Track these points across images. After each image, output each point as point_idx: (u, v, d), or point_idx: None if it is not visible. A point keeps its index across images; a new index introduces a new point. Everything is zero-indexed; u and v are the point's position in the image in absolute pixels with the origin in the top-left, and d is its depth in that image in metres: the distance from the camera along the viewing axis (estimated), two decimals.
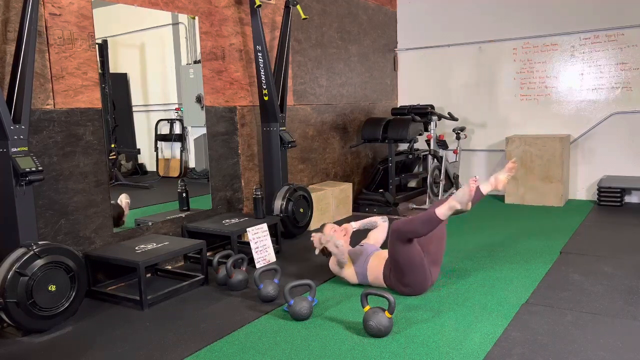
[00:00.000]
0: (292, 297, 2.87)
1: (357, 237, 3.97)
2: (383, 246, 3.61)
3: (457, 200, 2.95)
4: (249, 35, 4.52)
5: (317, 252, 3.49)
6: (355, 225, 3.65)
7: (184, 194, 4.10)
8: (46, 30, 3.08)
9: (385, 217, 3.71)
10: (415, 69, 6.71)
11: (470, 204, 2.98)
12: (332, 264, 3.40)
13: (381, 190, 5.86)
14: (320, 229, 3.60)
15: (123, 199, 3.68)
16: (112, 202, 3.52)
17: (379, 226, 3.67)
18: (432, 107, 6.00)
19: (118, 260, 3.18)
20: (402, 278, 3.09)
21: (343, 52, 5.77)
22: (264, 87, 4.33)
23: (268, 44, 4.64)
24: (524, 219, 5.01)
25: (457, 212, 2.99)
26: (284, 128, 4.50)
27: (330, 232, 3.49)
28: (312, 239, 3.53)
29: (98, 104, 3.39)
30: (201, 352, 2.53)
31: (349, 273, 3.34)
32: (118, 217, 3.59)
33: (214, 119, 4.23)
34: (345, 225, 3.62)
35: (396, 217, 5.29)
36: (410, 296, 3.13)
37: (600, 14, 5.52)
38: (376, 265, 3.25)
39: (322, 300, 3.14)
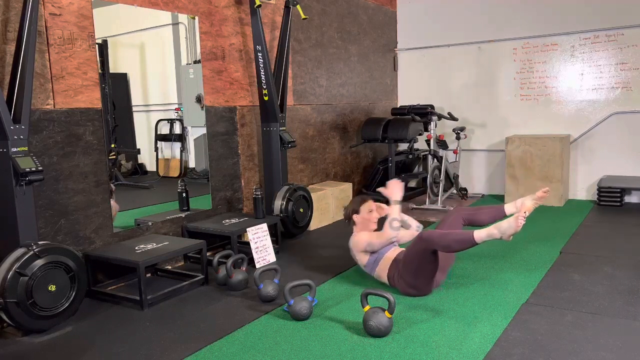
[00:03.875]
0: (292, 297, 2.87)
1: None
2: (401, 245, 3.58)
3: (500, 230, 2.92)
4: (249, 35, 4.52)
5: (355, 217, 3.42)
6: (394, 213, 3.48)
7: (184, 194, 4.10)
8: (46, 30, 3.08)
9: (421, 226, 3.57)
10: (415, 69, 6.71)
11: (512, 237, 2.96)
12: (357, 240, 3.31)
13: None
14: (361, 201, 3.44)
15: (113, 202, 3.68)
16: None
17: (411, 230, 3.55)
18: (432, 107, 6.00)
19: (118, 260, 3.18)
20: (411, 280, 3.08)
21: (343, 52, 5.78)
22: (264, 87, 4.33)
23: (268, 44, 4.64)
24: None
25: None
26: (284, 128, 4.50)
27: (364, 213, 3.39)
28: (370, 203, 3.41)
29: (98, 104, 3.39)
30: (201, 352, 2.53)
31: (363, 257, 3.31)
32: None
33: (214, 119, 4.23)
34: (385, 207, 3.48)
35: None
36: (410, 296, 3.13)
37: (600, 14, 5.52)
38: (385, 264, 3.24)
39: (322, 300, 3.14)
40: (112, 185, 3.59)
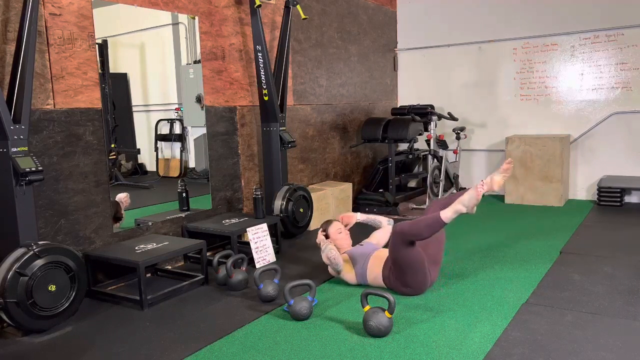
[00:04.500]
0: (292, 297, 2.88)
1: (360, 234, 3.97)
2: (384, 247, 3.60)
3: (464, 204, 2.96)
4: (249, 35, 4.52)
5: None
6: (360, 217, 3.63)
7: (184, 194, 4.10)
8: (46, 30, 3.08)
9: (391, 220, 3.68)
10: (415, 69, 6.71)
11: (475, 208, 2.99)
12: (329, 268, 3.42)
13: (381, 190, 5.86)
14: (326, 225, 3.54)
15: (122, 197, 3.68)
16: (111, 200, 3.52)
17: (383, 227, 3.65)
18: (432, 107, 6.00)
19: (118, 260, 3.18)
20: (403, 278, 3.09)
21: (343, 52, 5.77)
22: (264, 87, 4.33)
23: (268, 44, 4.64)
24: (524, 219, 5.01)
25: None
26: (284, 128, 4.50)
27: (334, 234, 3.48)
28: (317, 240, 3.52)
29: (98, 104, 3.39)
30: (201, 352, 2.53)
31: (349, 276, 3.35)
32: (116, 215, 3.59)
33: (214, 119, 4.23)
34: (349, 214, 3.61)
35: (396, 217, 5.29)
36: (410, 296, 3.13)
37: (600, 14, 5.52)
38: (375, 265, 3.25)
39: (322, 300, 3.14)
40: (125, 199, 3.65)
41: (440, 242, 3.35)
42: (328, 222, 3.56)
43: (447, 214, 2.95)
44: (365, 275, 3.28)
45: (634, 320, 2.68)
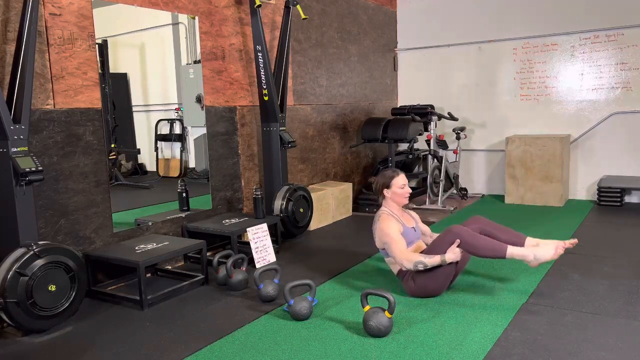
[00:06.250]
0: (292, 297, 2.88)
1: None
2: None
3: (535, 255, 2.90)
4: (249, 35, 4.52)
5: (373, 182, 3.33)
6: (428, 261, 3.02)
7: (184, 194, 4.10)
8: (46, 30, 3.08)
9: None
10: (415, 69, 6.71)
11: (539, 264, 2.96)
12: (380, 231, 3.16)
13: None
14: (393, 173, 3.26)
15: None
16: None
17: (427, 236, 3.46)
18: (432, 107, 6.00)
19: (118, 260, 3.18)
20: (419, 277, 3.04)
21: (343, 52, 5.77)
22: (264, 87, 4.33)
23: (268, 44, 4.64)
24: (524, 219, 5.00)
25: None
26: (284, 128, 4.50)
27: (398, 186, 3.24)
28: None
29: (98, 104, 3.39)
30: (201, 352, 2.53)
31: (380, 243, 3.20)
32: None
33: (214, 119, 4.23)
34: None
35: None
36: (410, 297, 3.12)
37: (600, 14, 5.52)
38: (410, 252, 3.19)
39: (322, 300, 3.14)
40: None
41: (465, 259, 3.21)
42: (394, 173, 3.28)
43: (511, 252, 2.91)
44: (388, 256, 3.22)
45: (634, 320, 2.68)
